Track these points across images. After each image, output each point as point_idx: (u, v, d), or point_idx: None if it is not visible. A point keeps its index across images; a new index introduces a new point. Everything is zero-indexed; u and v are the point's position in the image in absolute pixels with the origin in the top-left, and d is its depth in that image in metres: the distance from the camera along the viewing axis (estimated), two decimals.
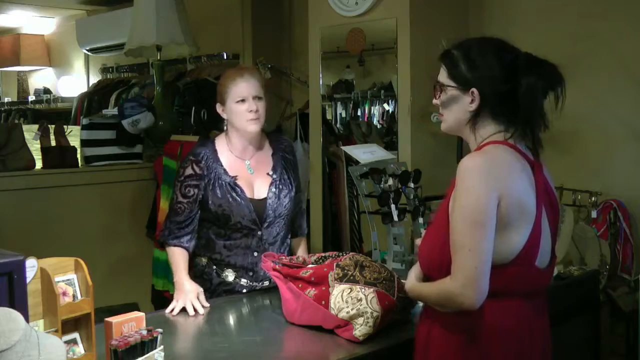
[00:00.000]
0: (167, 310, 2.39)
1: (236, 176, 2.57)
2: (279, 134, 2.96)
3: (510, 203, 1.67)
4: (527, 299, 1.76)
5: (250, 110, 2.51)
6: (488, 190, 1.65)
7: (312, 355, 2.06)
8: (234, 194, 2.54)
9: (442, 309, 1.75)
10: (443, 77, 1.82)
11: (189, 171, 2.56)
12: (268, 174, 2.63)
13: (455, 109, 1.81)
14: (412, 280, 1.85)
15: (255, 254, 2.57)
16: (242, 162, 2.62)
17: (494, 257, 1.66)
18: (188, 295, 2.41)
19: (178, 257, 2.55)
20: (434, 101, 1.85)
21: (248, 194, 2.56)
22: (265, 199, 2.59)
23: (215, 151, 2.60)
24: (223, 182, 2.55)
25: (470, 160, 1.70)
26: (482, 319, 1.70)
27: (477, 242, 1.63)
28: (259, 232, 2.58)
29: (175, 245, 2.57)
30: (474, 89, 1.76)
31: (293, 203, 2.68)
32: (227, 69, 2.74)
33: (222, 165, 2.58)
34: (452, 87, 1.80)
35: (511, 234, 1.68)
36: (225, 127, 2.64)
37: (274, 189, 2.61)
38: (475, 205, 1.65)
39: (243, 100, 2.51)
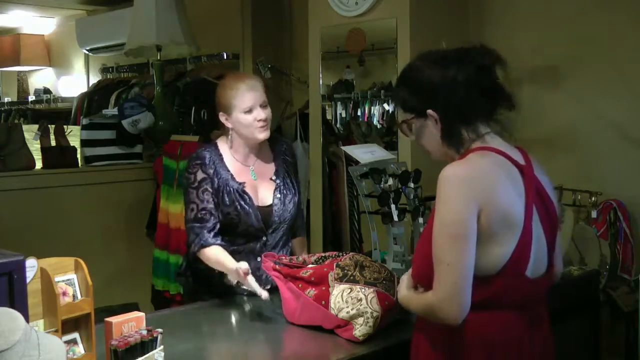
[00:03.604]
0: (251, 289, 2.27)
1: (244, 182, 2.52)
2: (278, 136, 2.93)
3: (492, 214, 1.60)
4: (518, 310, 1.70)
5: (259, 120, 2.48)
6: (466, 202, 1.59)
7: (312, 355, 2.06)
8: (242, 202, 2.49)
9: (430, 320, 1.71)
10: (401, 115, 1.81)
11: (200, 175, 2.48)
12: (271, 179, 2.60)
13: (428, 135, 1.78)
14: (403, 290, 1.81)
15: (259, 258, 2.50)
16: (247, 168, 2.57)
17: (478, 268, 1.61)
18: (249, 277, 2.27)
19: (221, 252, 2.41)
20: (410, 137, 1.83)
21: (255, 201, 2.52)
22: (270, 205, 2.55)
23: (220, 155, 2.55)
24: (231, 189, 2.50)
25: (449, 170, 1.65)
26: (469, 330, 1.66)
27: (456, 256, 1.58)
28: (264, 238, 2.55)
29: (214, 244, 2.44)
30: (428, 111, 1.73)
31: (296, 206, 2.66)
32: (226, 77, 2.62)
33: (228, 171, 2.53)
34: (413, 118, 1.78)
35: (495, 246, 1.62)
36: (229, 135, 2.56)
37: (278, 195, 2.57)
38: (452, 217, 1.60)
39: (250, 110, 2.47)
